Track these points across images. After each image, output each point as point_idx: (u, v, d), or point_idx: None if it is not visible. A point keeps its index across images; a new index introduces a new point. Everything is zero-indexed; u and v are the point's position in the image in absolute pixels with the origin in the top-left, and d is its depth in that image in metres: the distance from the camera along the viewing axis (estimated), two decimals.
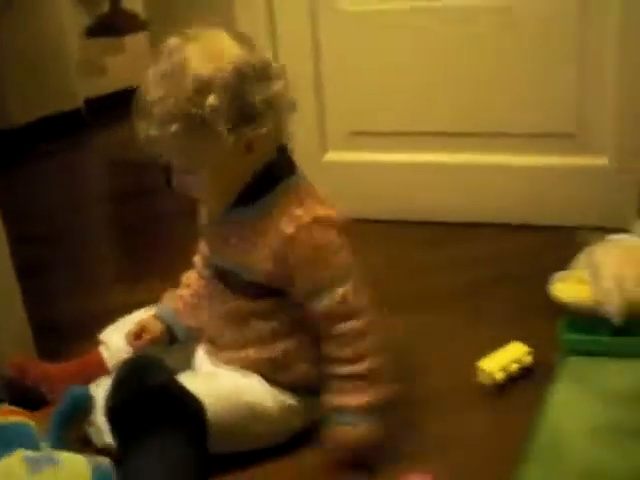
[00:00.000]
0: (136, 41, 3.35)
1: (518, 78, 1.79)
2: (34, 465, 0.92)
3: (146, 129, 0.99)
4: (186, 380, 1.06)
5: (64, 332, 1.50)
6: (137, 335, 1.23)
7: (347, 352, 1.07)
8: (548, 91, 1.77)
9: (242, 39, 1.03)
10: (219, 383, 1.10)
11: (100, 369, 1.27)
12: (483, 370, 1.26)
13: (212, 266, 1.20)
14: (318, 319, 1.09)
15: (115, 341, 1.28)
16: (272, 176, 1.09)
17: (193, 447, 0.88)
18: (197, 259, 1.29)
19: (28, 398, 1.23)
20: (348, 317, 1.07)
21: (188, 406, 0.90)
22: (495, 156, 1.87)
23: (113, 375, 0.95)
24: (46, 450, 0.98)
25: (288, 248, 1.06)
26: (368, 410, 1.07)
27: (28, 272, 1.47)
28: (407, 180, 1.94)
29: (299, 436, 1.15)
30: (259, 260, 1.08)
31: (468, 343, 1.39)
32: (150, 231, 2.10)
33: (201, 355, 1.22)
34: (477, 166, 1.89)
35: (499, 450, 1.09)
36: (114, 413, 0.87)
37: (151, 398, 0.85)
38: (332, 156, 1.98)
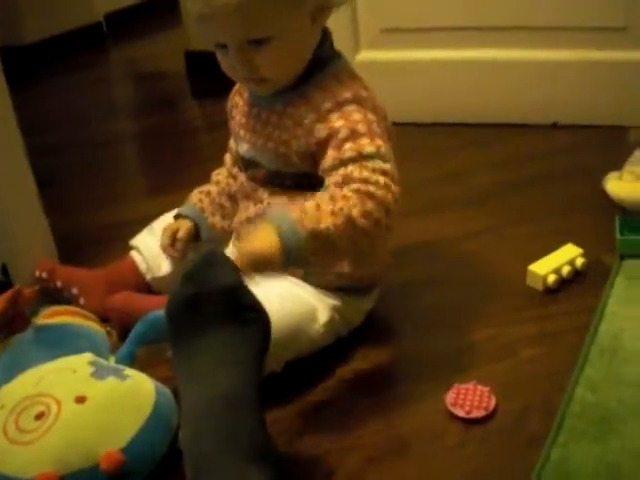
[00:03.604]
0: None
1: None
2: (99, 370, 0.89)
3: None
4: None
5: (87, 243, 1.47)
6: (173, 242, 1.20)
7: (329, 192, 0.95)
8: None
9: None
10: (264, 288, 0.97)
11: (132, 274, 1.24)
12: (533, 272, 1.19)
13: (238, 159, 1.15)
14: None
15: (148, 245, 1.24)
16: (319, 59, 1.04)
17: (257, 353, 0.82)
18: (227, 157, 1.24)
19: (58, 300, 1.20)
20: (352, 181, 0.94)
21: (258, 311, 0.84)
22: (540, 52, 1.77)
23: (180, 271, 0.87)
24: (112, 362, 0.96)
25: (322, 123, 0.99)
26: (296, 231, 0.91)
27: (49, 184, 1.45)
28: (445, 79, 1.86)
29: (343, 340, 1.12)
30: (284, 140, 1.03)
31: (515, 244, 1.34)
32: (174, 143, 2.05)
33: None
34: (520, 63, 1.79)
35: (550, 355, 1.06)
36: (177, 307, 0.81)
37: (220, 297, 0.80)
38: (365, 55, 1.89)
